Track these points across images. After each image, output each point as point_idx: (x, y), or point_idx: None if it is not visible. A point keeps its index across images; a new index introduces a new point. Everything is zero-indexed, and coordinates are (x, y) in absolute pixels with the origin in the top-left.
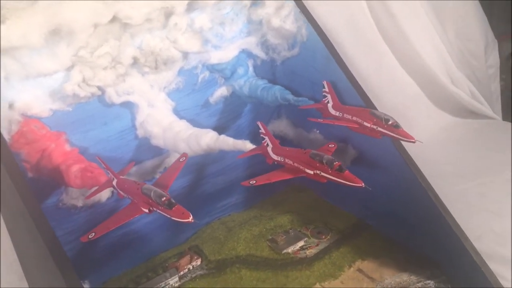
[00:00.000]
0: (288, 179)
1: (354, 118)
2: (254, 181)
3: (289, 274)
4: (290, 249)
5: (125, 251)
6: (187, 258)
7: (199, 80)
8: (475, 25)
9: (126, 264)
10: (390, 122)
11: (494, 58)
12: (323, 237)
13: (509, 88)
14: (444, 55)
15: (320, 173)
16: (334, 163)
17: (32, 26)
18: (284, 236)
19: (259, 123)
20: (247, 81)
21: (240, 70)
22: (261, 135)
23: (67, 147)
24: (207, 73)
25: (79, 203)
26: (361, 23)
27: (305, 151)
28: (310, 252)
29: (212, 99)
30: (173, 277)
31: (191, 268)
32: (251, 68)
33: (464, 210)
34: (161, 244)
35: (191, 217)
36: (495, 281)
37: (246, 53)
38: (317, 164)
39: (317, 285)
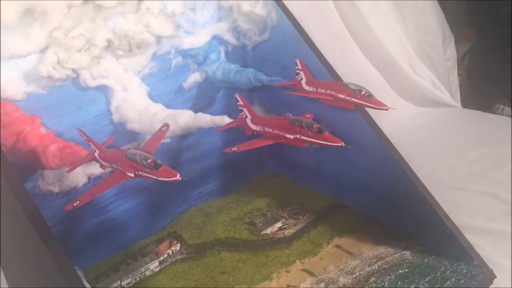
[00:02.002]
0: (268, 144)
1: (328, 91)
2: (236, 148)
3: (269, 253)
4: (268, 230)
5: (103, 239)
6: (166, 243)
7: (173, 65)
8: (433, 19)
9: (104, 252)
10: (363, 92)
11: (451, 52)
12: (300, 217)
13: (466, 83)
14: (406, 46)
15: (301, 137)
16: (314, 126)
17: (5, 5)
18: (262, 218)
19: (237, 95)
20: (219, 66)
21: (213, 56)
22: (239, 107)
23: (43, 130)
24: (180, 59)
25: (56, 189)
26: (326, 14)
27: (284, 117)
28: (288, 232)
29: (185, 85)
30: (153, 262)
31: (170, 253)
32: (223, 54)
33: (434, 189)
34: (139, 232)
35: (178, 175)
36: (469, 247)
37: (218, 39)
38: (297, 129)
39: (297, 262)
